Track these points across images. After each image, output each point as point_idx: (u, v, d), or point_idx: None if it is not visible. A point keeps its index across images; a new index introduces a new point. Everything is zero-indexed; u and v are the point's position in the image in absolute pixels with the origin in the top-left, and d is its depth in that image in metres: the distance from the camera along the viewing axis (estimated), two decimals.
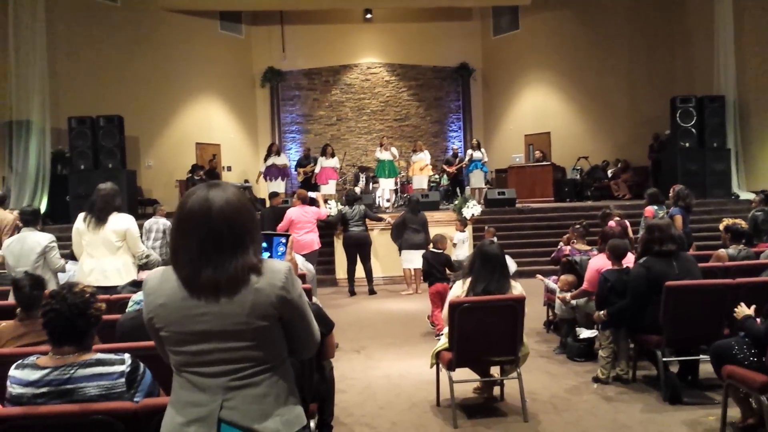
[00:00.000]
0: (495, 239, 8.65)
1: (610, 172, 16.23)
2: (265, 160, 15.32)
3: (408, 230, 9.99)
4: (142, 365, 2.48)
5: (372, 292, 10.27)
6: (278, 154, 15.38)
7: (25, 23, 12.57)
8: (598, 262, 5.66)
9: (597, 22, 17.08)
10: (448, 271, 7.27)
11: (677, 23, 15.63)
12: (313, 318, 1.93)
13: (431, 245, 7.67)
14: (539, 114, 18.43)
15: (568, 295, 6.04)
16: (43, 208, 12.14)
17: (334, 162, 14.53)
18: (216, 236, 1.74)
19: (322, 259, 10.57)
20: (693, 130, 13.75)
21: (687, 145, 13.75)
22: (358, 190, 14.51)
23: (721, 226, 6.44)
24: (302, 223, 9.31)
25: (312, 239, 9.33)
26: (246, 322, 1.74)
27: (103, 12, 15.24)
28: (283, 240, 2.39)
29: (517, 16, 18.87)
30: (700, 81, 14.70)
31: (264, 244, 2.25)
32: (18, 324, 3.60)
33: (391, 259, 10.96)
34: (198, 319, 1.75)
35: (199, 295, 1.74)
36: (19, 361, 2.44)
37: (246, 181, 16.68)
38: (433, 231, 10.11)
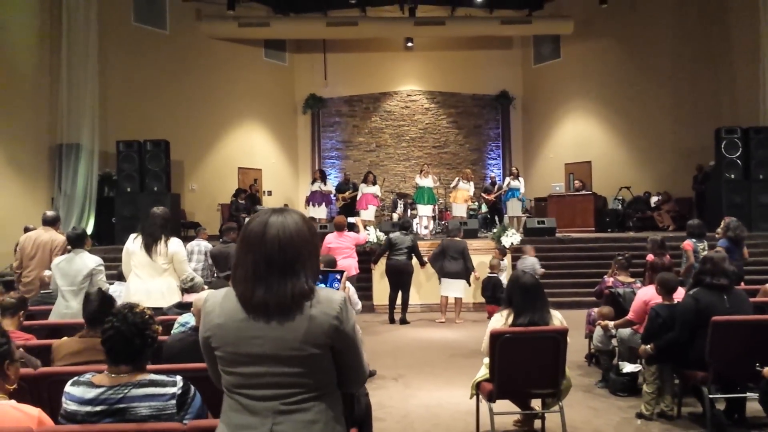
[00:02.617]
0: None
1: (653, 202, 15.97)
2: (312, 185, 15.47)
3: (447, 258, 9.96)
4: (192, 388, 2.52)
5: (404, 321, 10.14)
6: (323, 180, 15.53)
7: (77, 50, 13.03)
8: (647, 293, 5.56)
9: (640, 50, 16.95)
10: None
11: (722, 53, 15.42)
12: (363, 352, 1.95)
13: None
14: (580, 143, 18.31)
15: (611, 323, 5.94)
16: (89, 229, 12.44)
17: (375, 189, 14.61)
18: (268, 258, 1.80)
19: (361, 284, 10.58)
20: (738, 161, 13.50)
21: (732, 176, 13.50)
22: (396, 216, 14.54)
23: None
24: (340, 249, 9.37)
25: (350, 264, 9.35)
26: (299, 348, 1.78)
27: (152, 39, 15.74)
28: (338, 276, 2.45)
29: (558, 45, 18.86)
30: (745, 111, 14.45)
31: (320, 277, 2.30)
32: (78, 340, 3.68)
33: (429, 287, 10.94)
34: (253, 341, 1.79)
35: (253, 315, 1.80)
36: (75, 378, 2.50)
37: (286, 205, 16.86)
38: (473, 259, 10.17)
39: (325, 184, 15.39)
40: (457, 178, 14.84)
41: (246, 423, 1.80)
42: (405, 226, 10.57)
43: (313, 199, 15.13)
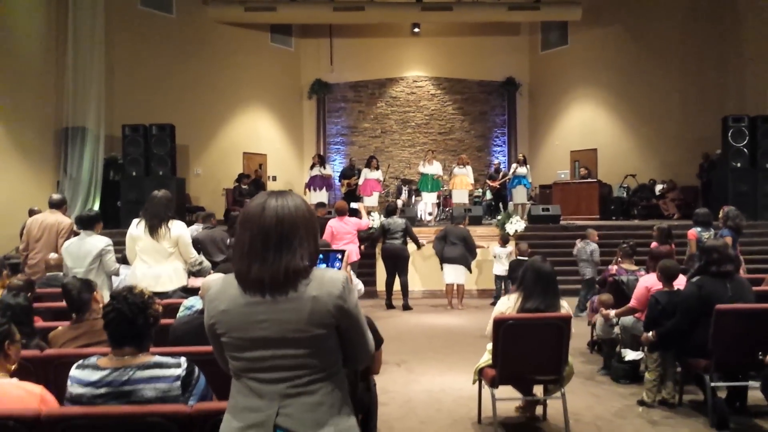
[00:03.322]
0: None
1: (658, 190, 15.92)
2: (311, 170, 15.48)
3: (447, 243, 9.99)
4: (197, 369, 2.55)
5: (406, 307, 10.14)
6: (323, 165, 15.54)
7: (84, 34, 12.99)
8: (649, 280, 5.58)
9: (648, 38, 16.83)
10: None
11: (730, 41, 15.30)
12: (368, 328, 1.97)
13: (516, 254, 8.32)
14: (586, 130, 18.23)
15: (612, 312, 5.95)
16: None
17: (377, 174, 14.60)
18: (265, 233, 1.82)
19: (363, 270, 10.61)
20: (745, 150, 13.45)
21: (738, 165, 13.45)
22: (400, 202, 14.55)
23: None
24: (341, 234, 9.42)
25: (351, 250, 9.38)
26: (304, 330, 1.80)
27: (159, 23, 15.70)
28: (339, 255, 2.47)
29: (566, 32, 18.73)
30: (752, 100, 14.38)
31: (320, 257, 2.31)
32: (71, 327, 3.72)
33: (431, 273, 10.97)
34: (258, 325, 1.81)
35: (250, 292, 1.82)
36: (80, 362, 2.53)
37: (290, 190, 16.85)
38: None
39: (324, 168, 15.39)
40: (453, 165, 14.84)
41: (253, 406, 1.83)
42: (389, 211, 10.61)
43: (313, 183, 15.14)
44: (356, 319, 1.89)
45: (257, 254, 1.82)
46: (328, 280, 1.84)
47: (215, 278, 3.83)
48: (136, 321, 2.53)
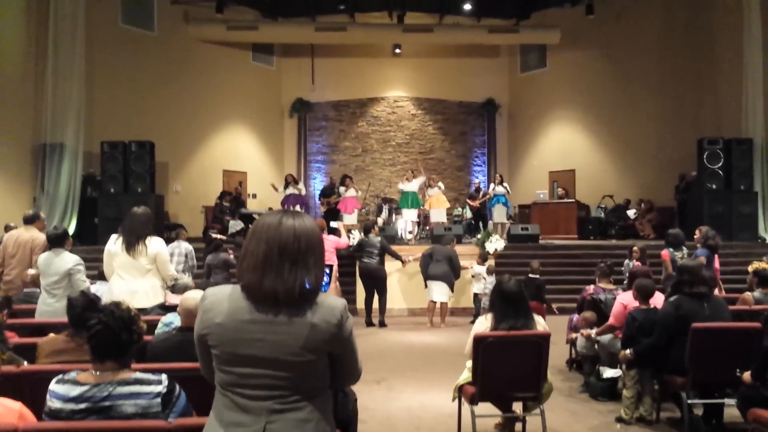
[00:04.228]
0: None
1: (632, 213, 16.10)
2: (285, 189, 15.44)
3: (432, 261, 10.03)
4: (177, 387, 2.54)
5: (382, 324, 10.14)
6: (296, 183, 15.54)
7: (64, 50, 12.94)
8: (625, 298, 5.65)
9: (625, 61, 17.15)
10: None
11: (706, 64, 15.64)
12: (358, 353, 1.99)
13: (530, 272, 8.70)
14: (565, 151, 18.47)
15: (593, 331, 6.02)
16: (71, 229, 12.35)
17: (352, 193, 14.65)
18: (282, 246, 1.83)
19: (343, 288, 10.60)
20: (720, 172, 13.70)
21: (714, 187, 13.68)
22: (380, 221, 14.57)
23: (750, 269, 6.40)
24: None
25: (335, 270, 9.38)
26: (297, 354, 1.81)
27: (139, 41, 15.68)
28: (327, 270, 2.48)
29: (545, 54, 19.03)
30: (727, 123, 14.66)
31: None
32: (63, 339, 3.67)
33: (415, 292, 10.99)
34: (253, 344, 1.81)
35: (261, 306, 1.81)
36: (60, 376, 2.50)
37: (270, 209, 16.83)
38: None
39: (297, 185, 15.40)
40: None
41: (239, 421, 1.82)
42: (366, 229, 10.60)
43: (287, 202, 15.10)
44: (350, 345, 1.93)
45: (272, 267, 1.82)
46: (327, 308, 1.86)
47: (193, 295, 3.82)
48: (120, 336, 2.52)
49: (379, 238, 10.41)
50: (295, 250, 1.84)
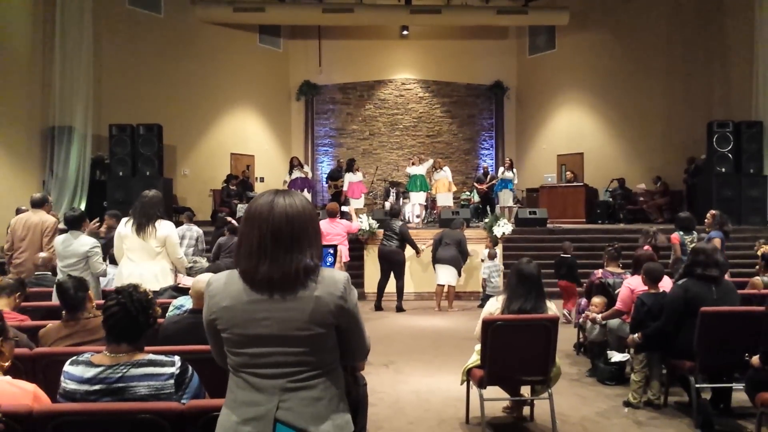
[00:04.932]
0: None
1: (641, 187, 15.90)
2: (290, 173, 15.44)
3: (441, 245, 10.05)
4: (190, 368, 2.55)
5: (399, 309, 10.15)
6: (301, 166, 15.53)
7: (71, 33, 12.93)
8: (633, 282, 5.64)
9: (634, 44, 16.99)
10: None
11: (716, 47, 15.48)
12: (365, 327, 2.00)
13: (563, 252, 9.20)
14: (573, 134, 18.36)
15: (599, 316, 6.03)
16: None
17: (358, 177, 14.61)
18: (275, 232, 1.84)
19: (351, 272, 10.59)
20: (729, 155, 13.60)
21: (723, 170, 13.60)
22: (387, 205, 14.57)
23: (759, 252, 6.37)
24: (331, 235, 9.42)
25: (342, 251, 9.41)
26: (305, 328, 1.83)
27: (146, 23, 15.62)
28: (331, 251, 2.49)
29: (553, 36, 18.86)
30: (737, 106, 14.54)
31: None
32: (63, 325, 3.71)
33: (423, 276, 11.04)
34: (260, 323, 1.83)
35: (258, 291, 1.83)
36: (74, 357, 2.53)
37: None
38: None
39: (302, 168, 15.38)
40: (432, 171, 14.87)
41: (253, 400, 1.85)
42: (394, 212, 10.63)
43: (294, 185, 15.04)
44: (355, 318, 1.93)
45: (267, 253, 1.83)
46: (330, 280, 1.87)
47: (204, 278, 3.83)
48: (138, 318, 2.54)
49: (400, 223, 10.32)
50: (288, 234, 1.85)
